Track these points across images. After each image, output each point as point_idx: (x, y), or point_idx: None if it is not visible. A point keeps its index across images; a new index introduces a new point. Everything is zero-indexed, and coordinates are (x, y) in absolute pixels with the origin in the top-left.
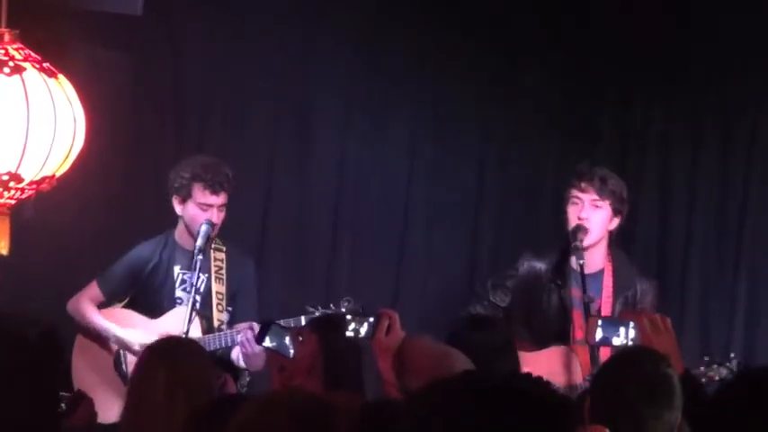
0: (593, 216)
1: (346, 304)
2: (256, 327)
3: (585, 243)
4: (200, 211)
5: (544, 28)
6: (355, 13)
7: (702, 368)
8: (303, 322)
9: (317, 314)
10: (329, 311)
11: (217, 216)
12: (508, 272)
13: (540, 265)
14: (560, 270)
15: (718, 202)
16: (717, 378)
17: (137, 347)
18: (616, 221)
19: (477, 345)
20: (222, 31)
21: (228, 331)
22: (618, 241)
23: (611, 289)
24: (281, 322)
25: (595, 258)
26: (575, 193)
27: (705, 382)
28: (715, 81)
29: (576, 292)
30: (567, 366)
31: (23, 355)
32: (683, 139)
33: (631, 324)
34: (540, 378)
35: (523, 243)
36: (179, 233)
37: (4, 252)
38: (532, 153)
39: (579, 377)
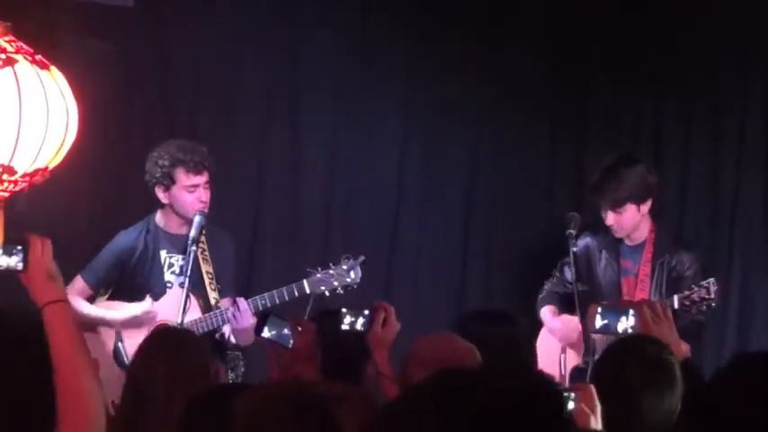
0: (618, 220)
1: (346, 261)
2: (241, 301)
3: (621, 234)
4: (188, 193)
5: (536, 17)
6: (348, 4)
7: (685, 291)
8: (306, 286)
9: (318, 275)
10: (330, 271)
11: (204, 194)
12: (572, 250)
13: (593, 241)
14: (609, 242)
15: (709, 197)
16: (697, 299)
17: (140, 313)
18: (647, 205)
19: (494, 338)
20: (213, 22)
21: (218, 312)
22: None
23: (650, 255)
24: (284, 290)
25: (640, 233)
26: (597, 201)
27: (689, 305)
28: (705, 78)
29: (625, 263)
30: None
31: (21, 349)
32: (673, 134)
33: (631, 312)
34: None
35: (516, 234)
36: (162, 218)
37: None
38: (524, 144)
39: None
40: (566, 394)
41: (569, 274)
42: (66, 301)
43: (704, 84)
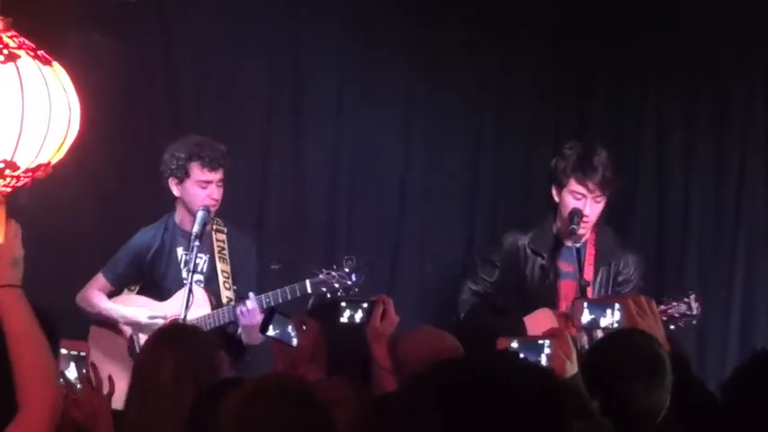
0: (594, 209)
1: (349, 263)
2: (252, 297)
3: (582, 231)
4: (200, 189)
5: (540, 10)
6: None
7: (662, 306)
8: (308, 286)
9: (320, 277)
10: (332, 272)
11: (216, 192)
12: (494, 247)
13: (522, 239)
14: (544, 243)
15: (714, 190)
16: (677, 315)
17: (144, 320)
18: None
19: (492, 329)
20: (215, 16)
21: (228, 307)
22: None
23: (592, 257)
24: (287, 289)
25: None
26: (577, 188)
27: (666, 320)
28: (708, 67)
29: (563, 266)
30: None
31: None
32: (677, 127)
33: (617, 306)
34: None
35: (518, 227)
36: (179, 216)
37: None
38: (527, 138)
39: None
40: (540, 342)
41: (495, 273)
42: (20, 288)
43: (707, 74)
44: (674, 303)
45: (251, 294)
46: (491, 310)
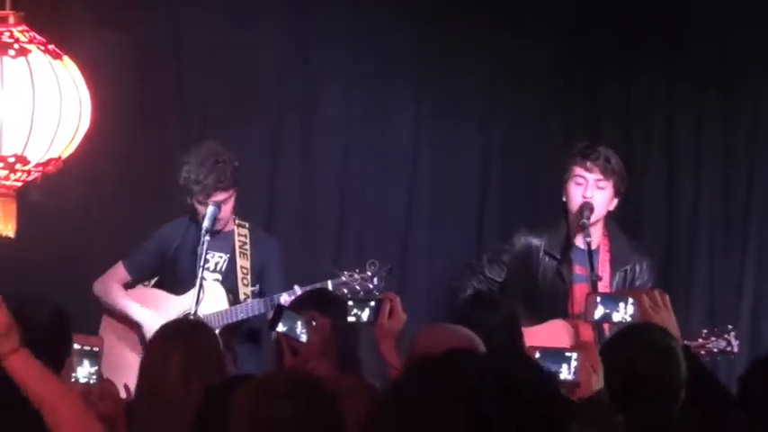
0: (596, 195)
1: (372, 268)
2: (297, 288)
3: (590, 219)
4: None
5: (547, 11)
6: None
7: (700, 340)
8: (330, 286)
9: (342, 278)
10: (355, 275)
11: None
12: (504, 246)
13: (537, 241)
14: (559, 245)
15: (723, 180)
16: (715, 350)
17: (148, 327)
18: (616, 202)
19: (479, 322)
20: (225, 14)
21: (244, 305)
22: (619, 220)
23: (607, 263)
24: (308, 287)
25: (596, 236)
26: (579, 171)
27: (704, 354)
28: (717, 54)
29: (578, 269)
30: (565, 340)
31: (39, 336)
32: (686, 116)
33: (630, 300)
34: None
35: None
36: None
37: (12, 234)
38: (536, 135)
39: None
40: (567, 354)
41: (503, 273)
42: (24, 349)
43: (715, 67)
44: (714, 339)
45: (296, 286)
46: (475, 304)
